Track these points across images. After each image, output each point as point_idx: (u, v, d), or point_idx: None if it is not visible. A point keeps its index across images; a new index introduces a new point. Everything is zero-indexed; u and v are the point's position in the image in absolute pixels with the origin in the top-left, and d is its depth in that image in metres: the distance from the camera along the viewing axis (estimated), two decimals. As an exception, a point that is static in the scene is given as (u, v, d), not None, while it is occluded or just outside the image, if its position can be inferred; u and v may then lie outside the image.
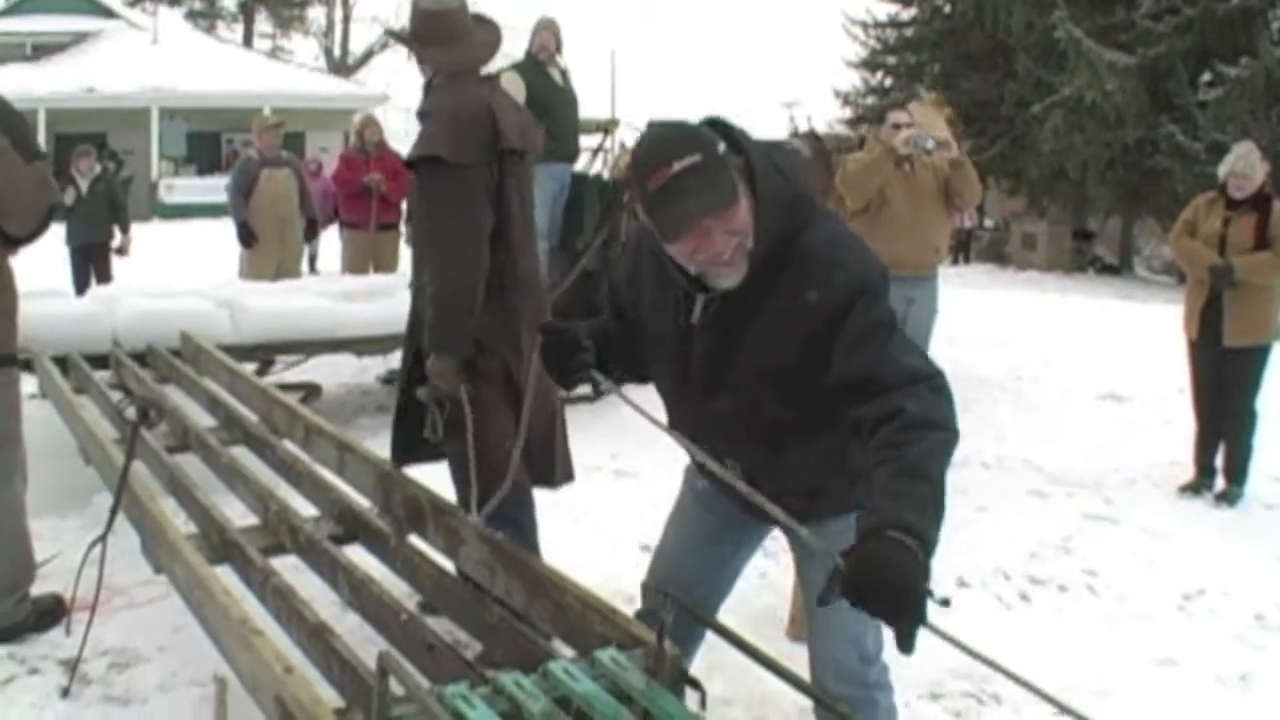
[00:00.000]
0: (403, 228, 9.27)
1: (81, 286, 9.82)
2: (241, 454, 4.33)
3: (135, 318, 5.88)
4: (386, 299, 6.46)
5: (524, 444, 3.47)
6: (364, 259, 9.23)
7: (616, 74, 8.98)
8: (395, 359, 6.59)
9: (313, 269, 12.01)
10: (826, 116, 22.98)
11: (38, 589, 3.97)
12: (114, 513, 3.55)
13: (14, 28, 30.06)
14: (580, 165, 8.66)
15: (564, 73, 7.80)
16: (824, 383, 2.21)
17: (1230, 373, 5.96)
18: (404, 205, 9.00)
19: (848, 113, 26.16)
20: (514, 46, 7.58)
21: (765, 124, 13.15)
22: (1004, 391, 8.57)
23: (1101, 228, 23.93)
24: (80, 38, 30.43)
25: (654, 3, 62.67)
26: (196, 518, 3.66)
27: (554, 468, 3.80)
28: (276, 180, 8.99)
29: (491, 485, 3.26)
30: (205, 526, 3.53)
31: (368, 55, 42.90)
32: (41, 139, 24.09)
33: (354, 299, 6.71)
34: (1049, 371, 9.39)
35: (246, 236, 8.99)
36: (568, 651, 2.51)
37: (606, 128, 9.45)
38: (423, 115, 3.61)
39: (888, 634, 2.06)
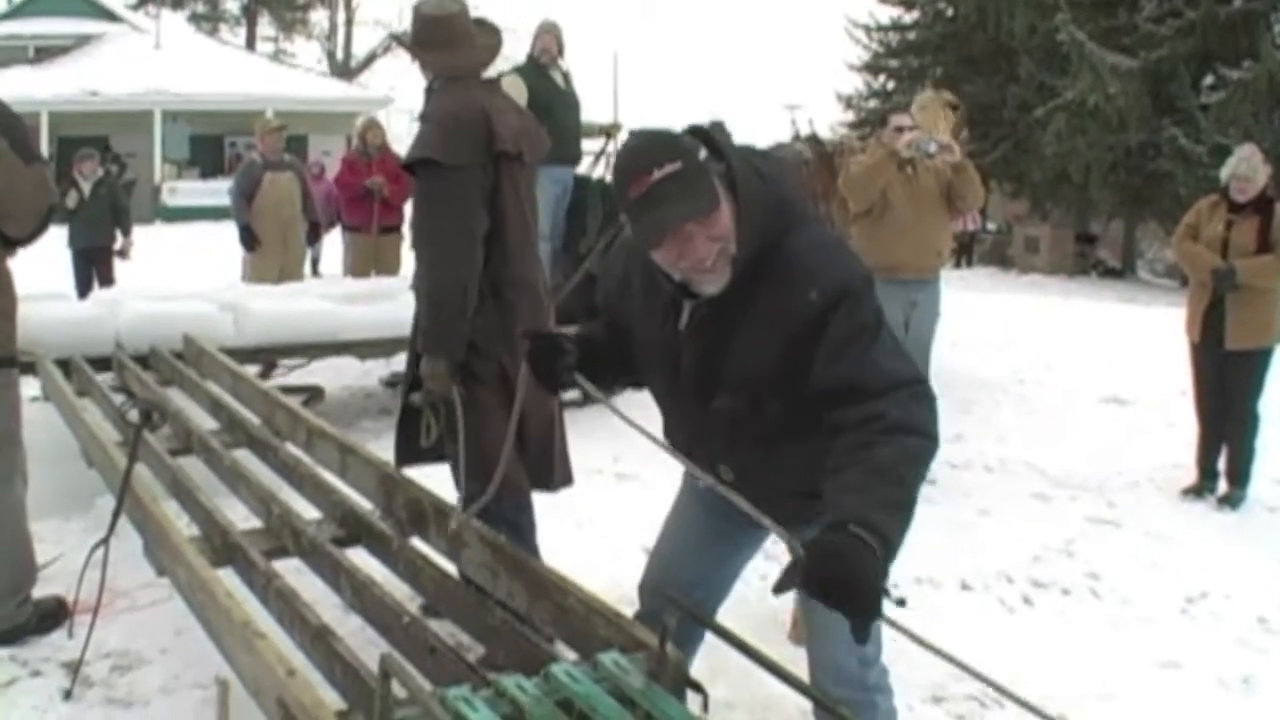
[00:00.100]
0: (405, 231, 9.28)
1: (84, 290, 9.83)
2: (244, 457, 4.33)
3: (138, 320, 5.88)
4: (389, 302, 6.47)
5: (522, 447, 3.51)
6: (366, 262, 9.23)
7: (619, 77, 8.98)
8: (398, 362, 6.62)
9: (315, 272, 12.02)
10: (829, 120, 22.97)
11: (40, 591, 3.97)
12: (116, 515, 3.54)
13: (16, 31, 30.09)
14: (583, 168, 8.66)
15: (566, 76, 7.81)
16: (808, 387, 2.22)
17: (1232, 376, 5.96)
18: (407, 208, 9.01)
19: (850, 116, 26.16)
20: (516, 50, 7.60)
21: (768, 127, 13.13)
22: (1006, 394, 8.57)
23: (1104, 231, 23.92)
24: (83, 41, 30.45)
25: (655, 5, 62.65)
26: (199, 520, 3.66)
27: (552, 471, 3.81)
28: (279, 183, 9.00)
29: (481, 482, 3.29)
30: (208, 529, 3.52)
31: (370, 58, 42.92)
32: (44, 142, 24.15)
33: (356, 302, 6.71)
34: (1052, 375, 9.38)
35: (249, 240, 9.00)
36: (570, 654, 2.50)
37: (609, 131, 9.44)
38: (423, 119, 3.65)
39: (887, 635, 2.06)
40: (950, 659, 1.96)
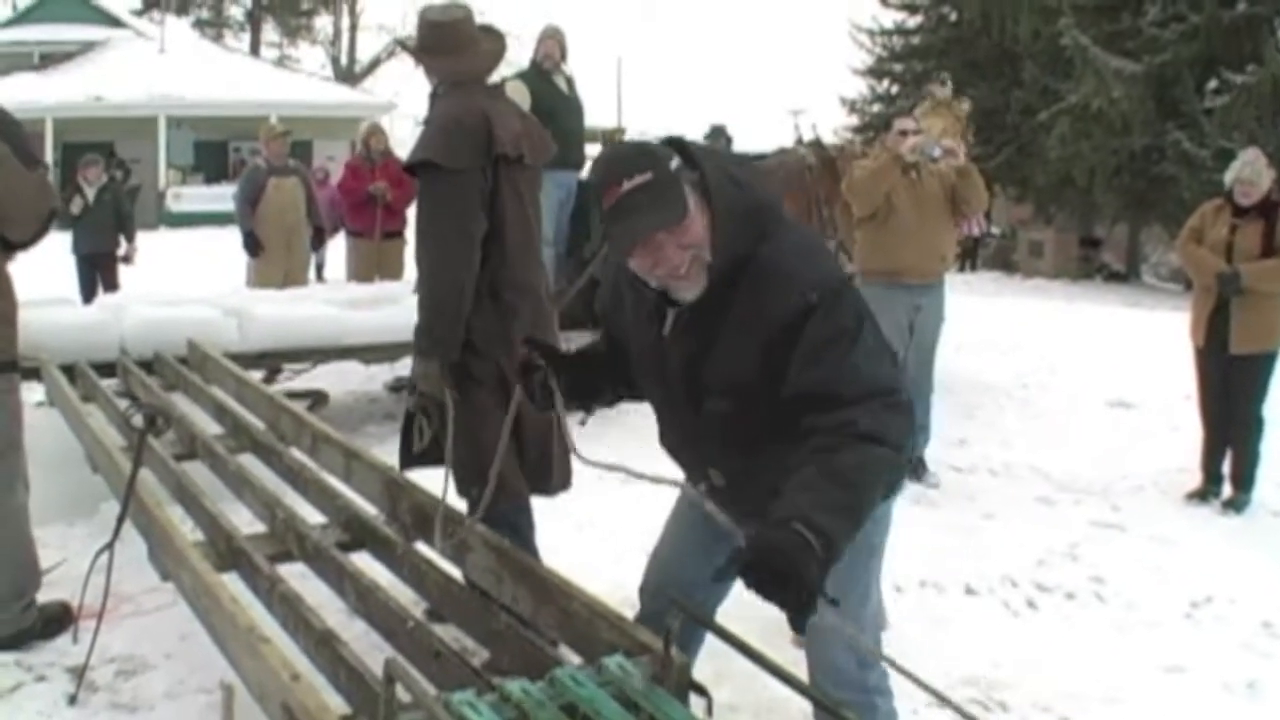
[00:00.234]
0: (408, 236, 9.28)
1: (88, 295, 9.85)
2: (249, 461, 4.34)
3: (142, 326, 5.89)
4: (393, 306, 6.47)
5: (520, 450, 3.54)
6: (369, 267, 9.21)
7: (623, 82, 9.00)
8: (402, 366, 6.62)
9: (319, 277, 12.03)
10: (833, 124, 22.96)
11: (45, 596, 3.97)
12: (121, 520, 3.55)
13: (22, 37, 30.17)
14: (587, 173, 8.66)
15: (569, 81, 7.81)
16: (787, 393, 2.24)
17: (1237, 380, 5.95)
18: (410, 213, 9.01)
19: (854, 120, 26.15)
20: (519, 55, 7.61)
21: (771, 131, 13.14)
22: (1011, 399, 8.57)
23: (1108, 235, 23.89)
24: (88, 47, 30.53)
25: (655, 6, 62.77)
26: (203, 525, 3.66)
27: (550, 474, 3.82)
28: (284, 189, 9.01)
29: (480, 485, 3.30)
30: (212, 534, 3.53)
31: (374, 64, 42.99)
32: (49, 148, 24.24)
33: (361, 307, 6.72)
34: (1056, 378, 9.38)
35: (252, 245, 9.01)
36: (574, 658, 2.51)
37: (612, 135, 9.46)
38: (425, 123, 3.69)
39: (886, 636, 2.07)
40: (927, 688, 1.97)
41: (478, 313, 3.55)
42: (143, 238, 11.37)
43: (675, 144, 2.35)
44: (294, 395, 5.98)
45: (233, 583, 3.05)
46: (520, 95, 6.59)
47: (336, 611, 3.37)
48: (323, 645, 2.66)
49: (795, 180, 8.47)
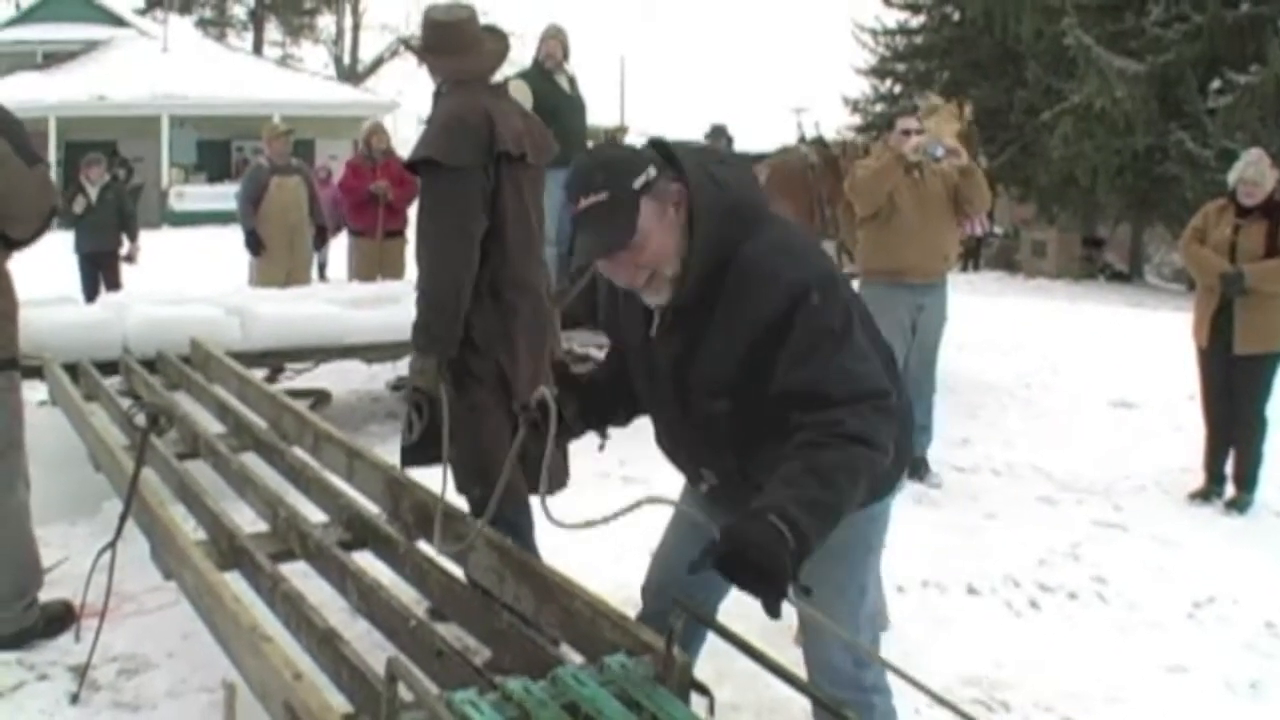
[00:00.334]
0: (410, 235, 9.27)
1: (91, 294, 9.85)
2: (251, 460, 4.34)
3: (145, 325, 5.90)
4: (395, 306, 6.47)
5: (520, 450, 3.55)
6: (371, 266, 9.21)
7: (626, 81, 9.01)
8: (404, 365, 6.61)
9: (322, 276, 12.03)
10: (835, 123, 22.97)
11: (47, 595, 3.97)
12: (123, 519, 3.55)
13: (25, 36, 30.21)
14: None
15: (571, 80, 7.81)
16: (774, 393, 2.24)
17: (1241, 380, 5.95)
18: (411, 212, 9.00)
19: (856, 120, 26.15)
20: (521, 54, 7.60)
21: (774, 130, 13.15)
22: (1013, 398, 8.57)
23: (1111, 235, 23.90)
24: (91, 46, 30.56)
25: (655, 6, 62.78)
26: (206, 524, 3.66)
27: (550, 475, 3.82)
28: (286, 188, 9.02)
29: (480, 483, 3.36)
30: (214, 533, 3.53)
31: (377, 63, 43.01)
32: (52, 147, 24.28)
33: (363, 306, 6.72)
34: (1058, 378, 9.38)
35: (255, 244, 9.01)
36: (576, 657, 2.51)
37: (615, 134, 9.45)
38: (428, 121, 3.70)
39: (888, 636, 2.07)
40: (922, 687, 1.97)
41: (478, 311, 3.56)
42: (145, 237, 11.38)
43: (659, 146, 2.36)
44: (296, 394, 5.98)
45: (235, 582, 3.05)
46: (523, 94, 6.59)
47: (338, 610, 3.36)
48: (325, 644, 2.66)
49: (797, 179, 8.48)
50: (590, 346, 7.41)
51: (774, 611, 2.01)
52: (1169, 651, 4.18)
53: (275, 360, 6.57)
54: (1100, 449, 7.09)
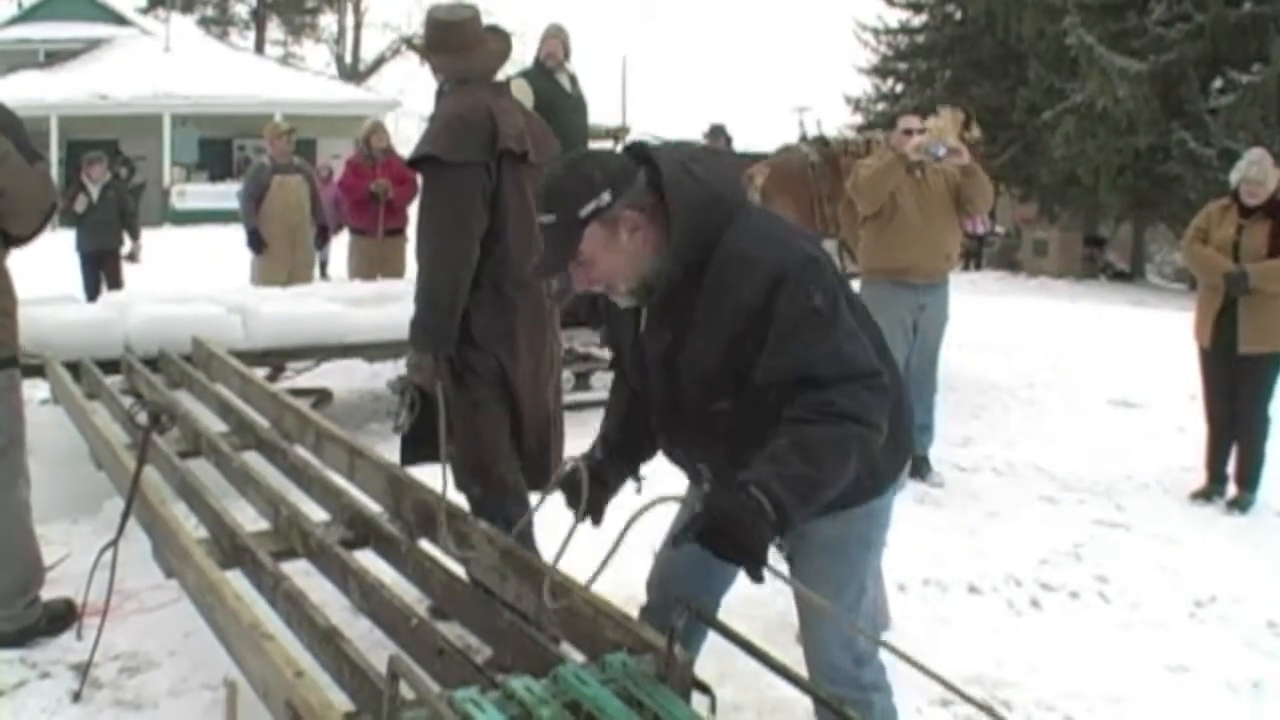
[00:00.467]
0: (410, 233, 9.26)
1: (92, 293, 9.86)
2: (253, 459, 4.34)
3: (147, 323, 5.90)
4: (397, 304, 6.46)
5: (519, 448, 3.61)
6: (371, 265, 9.21)
7: (628, 81, 9.00)
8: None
9: (324, 275, 12.03)
10: (837, 122, 22.96)
11: (49, 593, 3.98)
12: (125, 517, 3.55)
13: (27, 34, 30.23)
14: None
15: (573, 79, 7.80)
16: (763, 380, 2.26)
17: (1244, 379, 5.94)
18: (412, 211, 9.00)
19: (858, 119, 26.15)
20: (522, 54, 7.60)
21: (776, 129, 13.13)
22: (1015, 398, 8.57)
23: (1113, 234, 23.90)
24: (93, 44, 30.59)
25: (655, 6, 62.77)
26: (208, 522, 3.66)
27: (548, 472, 3.84)
28: (288, 187, 9.02)
29: (480, 480, 3.35)
30: (216, 531, 3.53)
31: (379, 62, 43.05)
32: (54, 146, 24.30)
33: (365, 304, 6.72)
34: (1060, 378, 9.38)
35: (256, 243, 9.02)
36: (578, 656, 2.51)
37: (617, 134, 9.45)
38: (430, 119, 3.74)
39: (889, 636, 2.07)
40: (932, 674, 1.97)
41: (478, 308, 3.58)
42: (147, 236, 11.39)
43: (636, 150, 2.41)
44: (298, 393, 5.98)
45: (236, 580, 3.05)
46: (524, 94, 6.58)
47: (340, 609, 3.36)
48: (326, 642, 2.65)
49: (797, 178, 8.48)
50: (590, 346, 7.42)
51: (756, 577, 2.11)
52: (1171, 651, 4.18)
53: (277, 359, 6.57)
54: (1102, 448, 7.09)
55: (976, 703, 1.95)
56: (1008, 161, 21.43)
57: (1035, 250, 22.70)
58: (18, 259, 3.88)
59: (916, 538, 4.83)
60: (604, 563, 2.41)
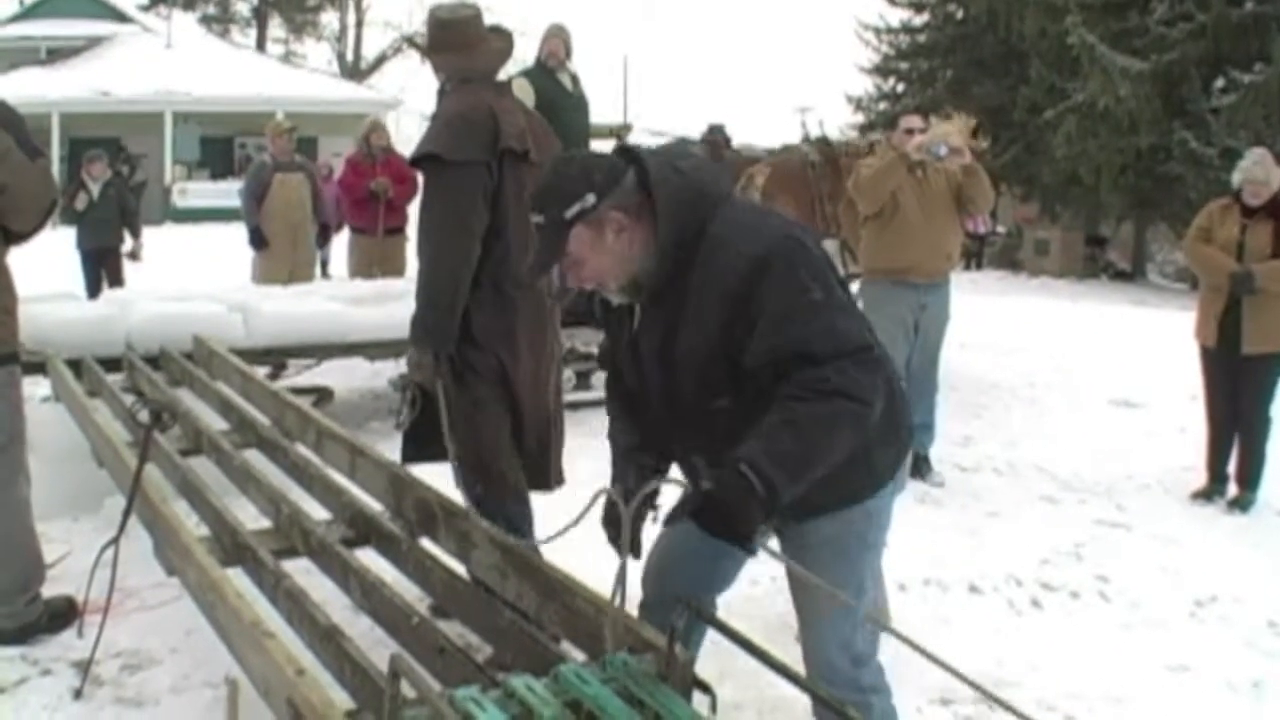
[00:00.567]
0: (410, 232, 9.25)
1: (93, 291, 9.86)
2: (254, 457, 4.34)
3: (148, 321, 5.90)
4: (398, 303, 6.46)
5: (520, 446, 3.65)
6: (370, 264, 9.19)
7: (630, 80, 8.99)
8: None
9: (325, 274, 12.03)
10: (839, 122, 22.96)
11: (50, 591, 3.98)
12: (126, 515, 3.55)
13: (28, 32, 30.24)
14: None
15: (574, 78, 7.80)
16: (755, 366, 2.28)
17: (1247, 380, 5.94)
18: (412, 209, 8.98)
19: (860, 118, 26.16)
20: (524, 53, 7.60)
21: (778, 128, 13.15)
22: (1016, 398, 8.57)
23: (1114, 234, 23.90)
24: (94, 42, 30.58)
25: (655, 5, 62.75)
26: (209, 520, 3.66)
27: (549, 471, 3.85)
28: (289, 185, 9.02)
29: (480, 479, 3.39)
30: (217, 529, 3.53)
31: (380, 60, 43.03)
32: (55, 143, 24.28)
33: (366, 303, 6.72)
34: (1061, 378, 9.38)
35: (258, 241, 9.01)
36: (579, 655, 2.51)
37: (618, 132, 9.44)
38: (432, 118, 3.75)
39: (886, 635, 2.08)
40: (946, 666, 1.97)
41: (478, 306, 3.58)
42: (148, 233, 11.37)
43: (625, 152, 2.45)
44: (299, 391, 5.98)
45: (238, 578, 3.05)
46: (525, 93, 6.58)
47: (341, 607, 3.37)
48: (327, 641, 2.66)
49: (797, 178, 8.48)
50: (591, 345, 7.41)
51: (748, 552, 2.18)
52: (1171, 651, 4.18)
53: (278, 357, 6.56)
54: (1103, 448, 7.09)
55: (984, 691, 1.95)
56: (1009, 161, 21.44)
57: (1036, 250, 22.70)
58: (18, 256, 3.88)
59: (917, 537, 4.83)
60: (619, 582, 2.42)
